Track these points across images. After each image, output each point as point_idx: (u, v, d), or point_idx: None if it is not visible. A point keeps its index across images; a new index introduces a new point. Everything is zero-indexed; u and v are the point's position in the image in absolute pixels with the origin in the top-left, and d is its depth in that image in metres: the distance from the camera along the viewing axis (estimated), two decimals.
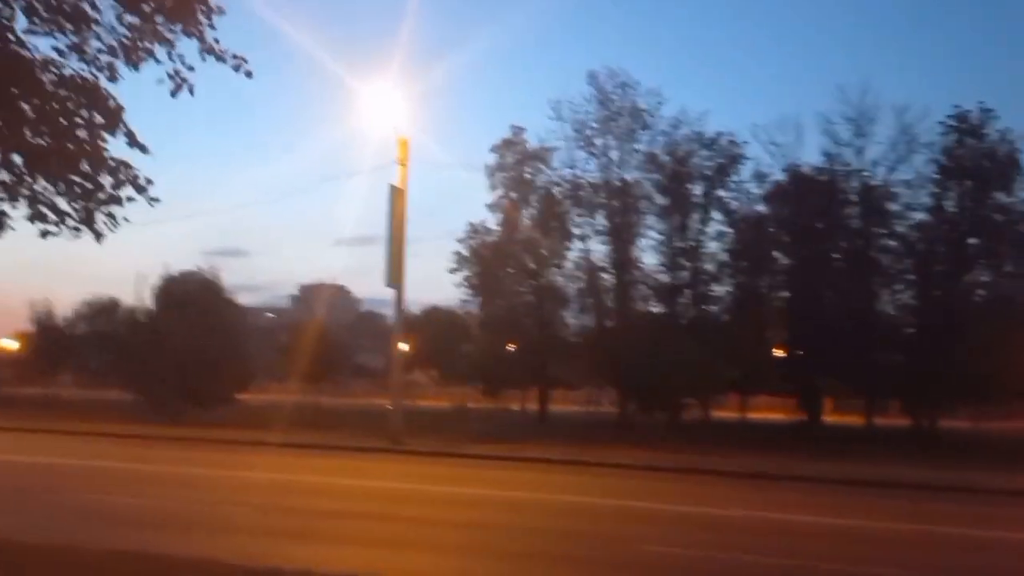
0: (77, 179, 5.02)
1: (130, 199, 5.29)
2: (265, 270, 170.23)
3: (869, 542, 11.52)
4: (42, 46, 4.97)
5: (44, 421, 29.17)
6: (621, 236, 37.76)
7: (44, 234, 5.17)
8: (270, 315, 62.73)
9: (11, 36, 4.85)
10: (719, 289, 38.28)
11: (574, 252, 39.52)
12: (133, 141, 5.21)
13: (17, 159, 4.92)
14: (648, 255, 38.70)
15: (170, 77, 5.33)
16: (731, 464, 20.92)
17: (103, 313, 43.87)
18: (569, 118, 37.53)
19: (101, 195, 5.15)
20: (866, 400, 39.65)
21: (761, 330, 36.37)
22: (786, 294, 37.61)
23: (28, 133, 4.87)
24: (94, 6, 5.05)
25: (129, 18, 5.12)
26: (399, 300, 26.13)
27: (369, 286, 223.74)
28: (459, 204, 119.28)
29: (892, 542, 11.65)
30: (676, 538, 11.21)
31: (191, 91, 5.40)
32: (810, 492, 17.65)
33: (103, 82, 5.08)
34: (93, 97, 5.12)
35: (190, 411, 31.65)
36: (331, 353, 40.77)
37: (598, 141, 37.83)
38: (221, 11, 5.46)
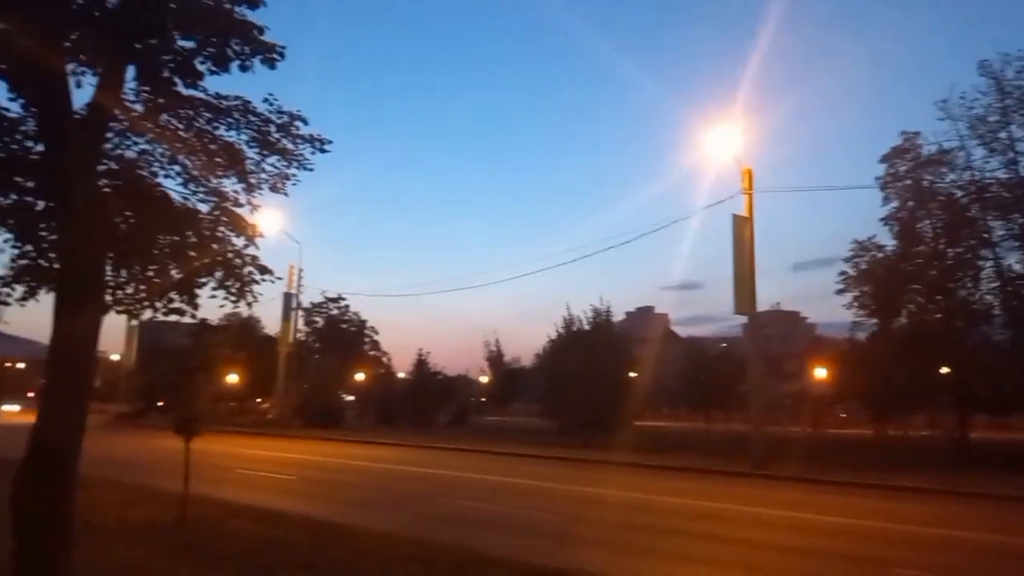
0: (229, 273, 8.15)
1: (261, 280, 8.38)
2: (720, 301, 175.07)
3: None
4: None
5: (472, 443, 35.18)
6: None
7: (222, 306, 8.32)
8: (723, 344, 65.05)
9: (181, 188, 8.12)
10: None
11: (987, 261, 35.26)
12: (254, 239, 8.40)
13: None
14: None
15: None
16: None
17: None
18: (962, 115, 34.01)
19: (244, 279, 8.23)
20: None
21: None
22: None
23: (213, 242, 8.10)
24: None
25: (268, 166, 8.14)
26: (752, 327, 26.57)
27: (827, 311, 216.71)
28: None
29: None
30: None
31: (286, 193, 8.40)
32: None
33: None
34: (238, 224, 8.24)
35: (590, 435, 35.24)
36: (723, 380, 41.75)
37: (1001, 135, 33.56)
38: (325, 144, 8.13)
